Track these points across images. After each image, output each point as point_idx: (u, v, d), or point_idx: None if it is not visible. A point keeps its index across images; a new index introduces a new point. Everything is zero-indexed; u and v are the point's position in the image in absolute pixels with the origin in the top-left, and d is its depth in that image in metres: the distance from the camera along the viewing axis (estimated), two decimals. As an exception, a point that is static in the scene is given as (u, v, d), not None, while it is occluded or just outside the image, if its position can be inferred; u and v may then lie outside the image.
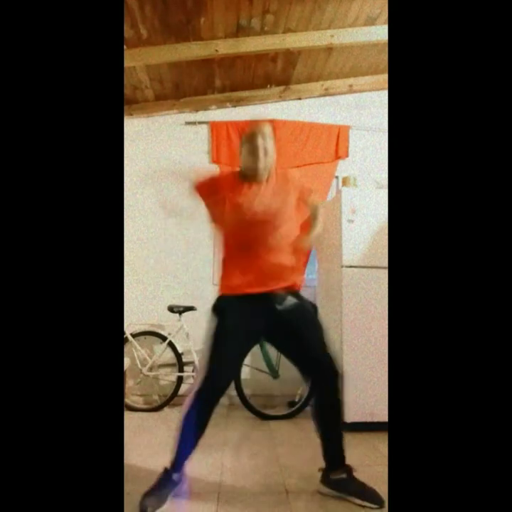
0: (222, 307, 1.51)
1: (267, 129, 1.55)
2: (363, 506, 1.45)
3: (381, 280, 2.41)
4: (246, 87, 3.26)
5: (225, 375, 1.54)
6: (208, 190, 1.58)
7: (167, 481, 1.47)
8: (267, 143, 1.52)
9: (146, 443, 2.17)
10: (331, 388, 1.51)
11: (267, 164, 1.53)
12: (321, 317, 1.60)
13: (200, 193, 1.60)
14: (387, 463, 1.81)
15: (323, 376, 1.51)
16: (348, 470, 1.55)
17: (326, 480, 1.56)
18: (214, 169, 1.80)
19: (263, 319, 1.49)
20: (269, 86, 3.29)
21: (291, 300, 1.51)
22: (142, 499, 1.40)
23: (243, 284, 1.48)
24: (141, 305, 3.10)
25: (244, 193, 1.52)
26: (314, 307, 1.59)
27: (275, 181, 1.59)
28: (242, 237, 1.52)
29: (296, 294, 1.55)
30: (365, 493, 1.48)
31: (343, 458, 1.56)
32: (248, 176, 1.56)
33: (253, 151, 1.50)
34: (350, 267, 2.44)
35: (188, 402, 1.49)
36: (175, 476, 1.48)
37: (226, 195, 1.53)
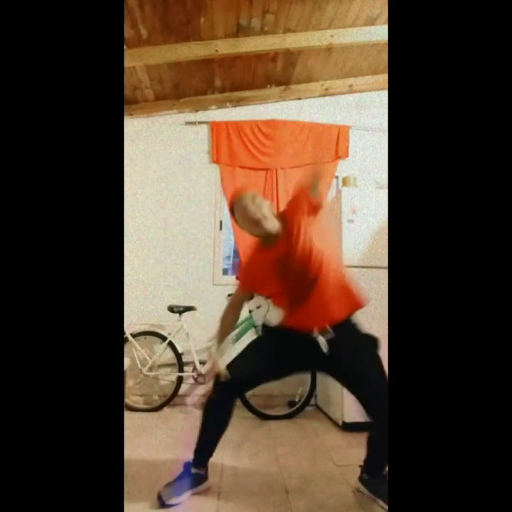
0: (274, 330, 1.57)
1: (252, 194, 1.53)
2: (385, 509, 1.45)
3: (381, 280, 2.41)
4: (246, 87, 3.26)
5: (246, 382, 1.56)
6: (249, 279, 1.64)
7: (186, 475, 1.54)
8: (259, 206, 1.49)
9: (146, 443, 2.17)
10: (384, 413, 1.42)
11: (272, 228, 1.49)
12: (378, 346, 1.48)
13: (244, 285, 1.66)
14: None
15: (374, 401, 1.42)
16: (384, 477, 1.54)
17: (361, 478, 1.60)
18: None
19: (306, 353, 1.48)
20: (269, 86, 3.29)
21: (332, 335, 1.45)
22: (161, 489, 1.50)
23: (298, 320, 1.49)
24: (141, 305, 3.10)
25: (273, 256, 1.51)
26: (368, 338, 1.48)
27: (284, 233, 1.52)
28: (285, 285, 1.52)
29: (343, 325, 1.47)
30: None
31: (383, 469, 1.56)
32: (265, 242, 1.55)
33: (251, 220, 1.49)
34: (350, 267, 2.44)
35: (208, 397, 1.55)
36: (194, 471, 1.54)
37: (261, 270, 1.57)
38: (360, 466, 1.63)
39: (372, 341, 1.47)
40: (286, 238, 1.50)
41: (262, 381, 1.57)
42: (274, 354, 1.51)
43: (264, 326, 1.63)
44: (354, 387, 1.48)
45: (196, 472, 1.55)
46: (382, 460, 1.53)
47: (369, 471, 1.58)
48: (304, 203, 1.52)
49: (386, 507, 1.45)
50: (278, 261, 1.50)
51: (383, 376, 1.42)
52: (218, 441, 1.55)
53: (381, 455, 1.51)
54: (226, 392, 1.51)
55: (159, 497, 1.47)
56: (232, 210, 1.58)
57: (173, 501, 1.47)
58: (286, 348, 1.50)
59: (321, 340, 1.43)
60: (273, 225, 1.50)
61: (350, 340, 1.46)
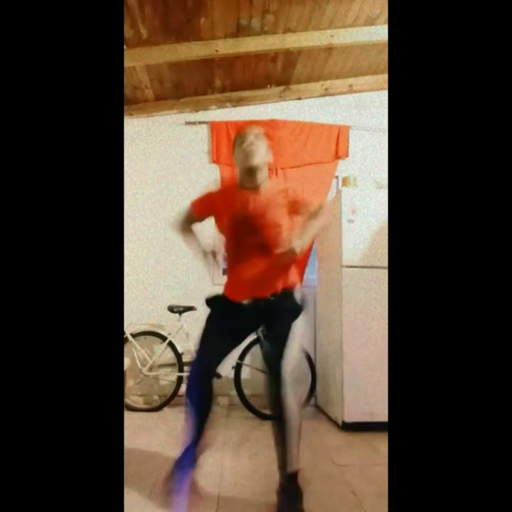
0: (214, 304, 1.65)
1: (258, 130, 1.58)
2: None
3: (381, 280, 2.42)
4: (246, 87, 3.26)
5: (211, 358, 1.60)
6: (202, 206, 1.69)
7: (187, 458, 1.54)
8: (258, 142, 1.54)
9: (146, 443, 2.17)
10: (276, 397, 1.47)
11: (260, 164, 1.54)
12: (303, 318, 1.60)
13: (195, 210, 1.72)
14: (387, 463, 1.81)
15: (269, 381, 1.50)
16: (293, 485, 1.46)
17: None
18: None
19: (245, 322, 1.60)
20: (269, 86, 3.29)
21: (266, 304, 1.55)
22: (166, 476, 1.54)
23: (232, 291, 1.61)
24: (141, 305, 3.10)
25: (239, 201, 1.57)
26: (298, 309, 1.58)
27: (269, 189, 1.60)
28: (235, 244, 1.60)
29: (279, 296, 1.56)
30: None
31: (284, 468, 1.47)
32: (244, 182, 1.59)
33: (245, 150, 1.52)
34: (350, 267, 2.44)
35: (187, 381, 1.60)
36: (192, 452, 1.54)
37: (222, 205, 1.61)
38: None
39: (298, 312, 1.56)
40: (263, 200, 1.55)
41: (224, 354, 1.63)
42: (224, 326, 1.59)
43: (212, 299, 1.68)
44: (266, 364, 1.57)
45: (195, 454, 1.55)
46: (281, 445, 1.48)
47: (279, 470, 1.48)
48: (295, 208, 1.61)
49: None
50: (242, 206, 1.55)
51: (285, 360, 1.47)
52: (207, 420, 1.56)
53: (279, 436, 1.48)
54: (197, 374, 1.56)
55: (168, 481, 1.51)
56: (234, 141, 1.60)
57: (179, 486, 1.50)
58: (231, 318, 1.58)
59: (249, 308, 1.54)
60: (259, 161, 1.53)
61: (277, 314, 1.54)
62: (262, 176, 1.57)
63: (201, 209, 1.70)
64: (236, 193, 1.60)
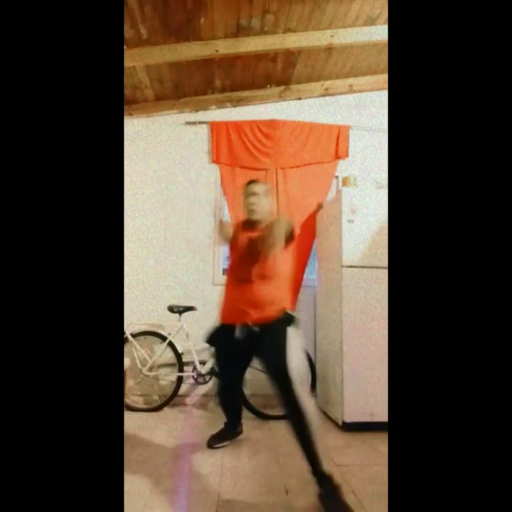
0: (212, 337, 1.97)
1: (265, 187, 1.93)
2: None
3: (381, 280, 2.42)
4: (246, 87, 3.26)
5: (230, 380, 2.07)
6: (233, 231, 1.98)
7: (227, 431, 2.18)
8: (262, 201, 1.89)
9: (146, 443, 2.17)
10: (283, 397, 1.55)
11: (261, 219, 1.87)
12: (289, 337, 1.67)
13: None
14: (387, 463, 1.82)
15: (276, 386, 1.58)
16: (330, 485, 1.46)
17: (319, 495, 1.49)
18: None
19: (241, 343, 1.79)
20: (269, 86, 3.29)
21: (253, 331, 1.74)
22: (209, 440, 2.12)
23: (224, 315, 1.89)
24: (141, 305, 3.10)
25: (241, 237, 1.89)
26: (290, 318, 1.75)
27: (266, 226, 1.78)
28: (232, 272, 1.89)
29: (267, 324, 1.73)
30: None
31: (317, 470, 1.49)
32: (248, 223, 1.92)
33: (249, 206, 1.88)
34: (350, 267, 2.44)
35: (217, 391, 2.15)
36: (231, 430, 2.19)
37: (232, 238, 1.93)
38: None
39: (284, 322, 1.72)
40: (263, 235, 1.73)
41: (235, 374, 2.03)
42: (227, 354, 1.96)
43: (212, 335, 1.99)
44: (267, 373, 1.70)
45: (234, 430, 2.19)
46: (306, 448, 1.50)
47: (313, 473, 1.49)
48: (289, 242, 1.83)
49: None
50: (248, 240, 1.84)
51: (280, 347, 1.62)
52: (241, 409, 2.23)
53: (301, 441, 1.51)
54: (221, 388, 2.10)
55: (207, 443, 2.09)
56: (244, 189, 1.95)
57: (217, 445, 2.09)
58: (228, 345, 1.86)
59: (240, 332, 1.77)
60: (260, 217, 1.87)
61: (271, 334, 1.71)
62: (263, 221, 1.86)
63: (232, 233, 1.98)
64: (242, 231, 1.93)
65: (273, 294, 1.78)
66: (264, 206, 1.91)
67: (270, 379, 1.62)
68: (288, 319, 1.74)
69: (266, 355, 1.70)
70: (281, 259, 1.81)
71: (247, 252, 1.81)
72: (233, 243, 1.92)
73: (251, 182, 1.93)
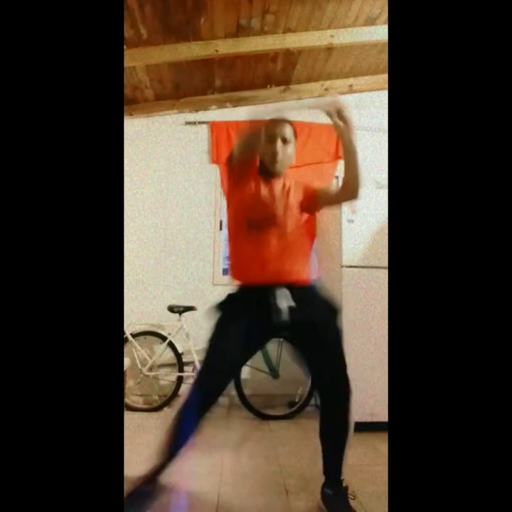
0: (226, 306, 1.44)
1: (292, 131, 1.56)
2: None
3: (381, 280, 2.41)
4: (246, 87, 3.26)
5: (222, 379, 1.41)
6: (235, 170, 1.52)
7: (143, 489, 1.38)
8: (287, 134, 1.51)
9: (146, 443, 2.17)
10: (342, 409, 1.45)
11: (284, 157, 1.52)
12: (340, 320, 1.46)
13: (228, 167, 1.55)
14: (387, 463, 1.81)
15: (335, 396, 1.45)
16: (341, 488, 1.43)
17: (321, 490, 1.49)
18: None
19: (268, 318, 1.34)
20: (269, 86, 3.29)
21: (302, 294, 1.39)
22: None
23: (250, 274, 1.42)
24: (141, 305, 3.10)
25: (257, 188, 1.51)
26: (337, 307, 1.45)
27: (286, 182, 1.59)
28: (248, 229, 1.45)
29: (307, 289, 1.43)
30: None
31: (336, 475, 1.44)
32: (265, 169, 1.55)
33: (273, 140, 1.48)
34: (350, 267, 2.44)
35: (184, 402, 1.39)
36: (150, 486, 1.40)
37: (244, 184, 1.51)
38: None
39: (333, 313, 1.43)
40: (281, 188, 1.54)
41: (240, 367, 1.49)
42: (242, 328, 1.36)
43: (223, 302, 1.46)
44: (312, 368, 1.47)
45: (150, 488, 1.39)
46: (339, 456, 1.43)
47: (328, 477, 1.45)
48: (309, 198, 1.58)
49: None
50: (261, 192, 1.49)
51: (343, 363, 1.41)
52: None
53: (338, 450, 1.43)
54: (201, 402, 1.36)
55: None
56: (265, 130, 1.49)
57: None
58: (246, 328, 1.36)
59: (281, 299, 1.33)
60: (282, 156, 1.51)
61: (313, 311, 1.39)
62: (284, 168, 1.57)
63: (232, 174, 1.54)
64: (257, 178, 1.54)
65: (308, 257, 1.47)
66: (291, 157, 1.56)
67: (324, 385, 1.45)
68: (336, 307, 1.44)
69: (318, 355, 1.40)
70: (298, 230, 1.49)
71: (269, 205, 1.47)
72: (244, 188, 1.50)
73: (278, 121, 1.52)
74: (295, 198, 1.56)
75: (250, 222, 1.45)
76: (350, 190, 1.48)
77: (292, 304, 1.34)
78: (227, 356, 1.37)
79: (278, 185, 1.56)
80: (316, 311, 1.40)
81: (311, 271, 1.47)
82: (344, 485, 1.44)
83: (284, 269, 1.39)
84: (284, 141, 1.50)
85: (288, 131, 1.52)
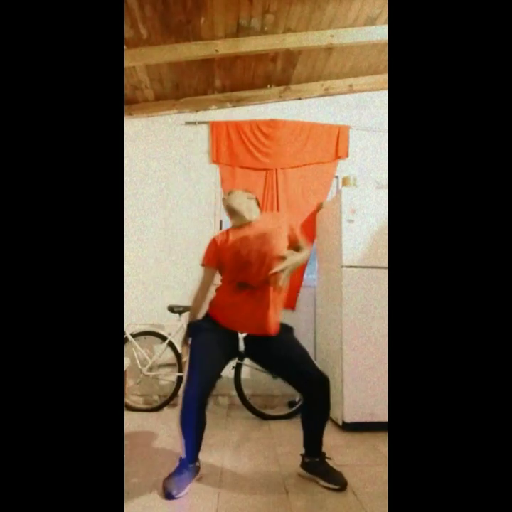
0: (202, 326, 1.73)
1: (244, 194, 1.83)
2: (327, 487, 1.62)
3: (381, 280, 2.42)
4: (246, 87, 3.26)
5: (206, 382, 1.64)
6: (210, 255, 1.82)
7: (184, 469, 1.63)
8: (237, 199, 1.80)
9: (146, 443, 2.17)
10: (322, 396, 1.68)
11: (245, 211, 1.78)
12: (296, 336, 1.80)
13: (209, 264, 1.82)
14: (387, 463, 1.82)
15: (314, 387, 1.67)
16: (322, 456, 1.72)
17: (302, 463, 1.75)
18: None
19: (236, 345, 1.74)
20: (269, 86, 3.29)
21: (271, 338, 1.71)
22: (163, 483, 1.58)
23: (228, 321, 1.71)
24: (141, 305, 3.10)
25: (234, 236, 1.77)
26: (290, 329, 1.80)
27: (262, 221, 1.81)
28: (233, 277, 1.72)
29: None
30: (330, 475, 1.65)
31: (320, 448, 1.73)
32: (239, 223, 1.82)
33: (229, 210, 1.81)
34: (350, 267, 2.44)
35: (180, 405, 1.61)
36: (191, 466, 1.64)
37: (221, 246, 1.78)
38: (301, 454, 1.76)
39: (289, 331, 1.78)
40: (260, 230, 1.74)
41: (221, 370, 1.73)
42: (216, 349, 1.68)
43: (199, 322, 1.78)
44: (283, 373, 1.75)
45: (193, 466, 1.66)
46: (318, 437, 1.72)
47: (308, 452, 1.73)
48: (290, 241, 1.79)
49: (327, 485, 1.62)
50: (243, 238, 1.73)
51: (306, 355, 1.73)
52: (202, 436, 1.67)
53: (316, 432, 1.72)
54: (195, 400, 1.58)
55: (167, 492, 1.53)
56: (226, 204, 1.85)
57: (180, 494, 1.55)
58: (221, 342, 1.69)
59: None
60: (249, 215, 1.79)
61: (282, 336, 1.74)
62: (250, 214, 1.80)
63: (211, 259, 1.81)
64: (232, 232, 1.81)
65: (281, 298, 1.77)
66: (251, 208, 1.82)
67: (304, 382, 1.69)
68: (289, 328, 1.79)
69: (291, 363, 1.70)
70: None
71: (253, 250, 1.69)
72: (225, 252, 1.75)
73: (230, 193, 1.85)
74: (278, 237, 1.74)
75: (235, 276, 1.71)
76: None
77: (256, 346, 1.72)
78: (210, 359, 1.65)
79: (251, 230, 1.77)
80: (275, 339, 1.71)
81: (277, 321, 1.74)
82: (325, 454, 1.73)
83: (254, 326, 1.69)
84: (241, 203, 1.80)
85: (241, 197, 1.82)
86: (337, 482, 1.62)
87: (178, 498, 1.52)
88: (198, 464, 1.69)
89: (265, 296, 1.67)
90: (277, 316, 1.72)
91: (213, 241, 1.84)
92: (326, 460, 1.72)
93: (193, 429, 1.61)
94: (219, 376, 1.71)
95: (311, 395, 1.69)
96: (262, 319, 1.67)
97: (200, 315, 1.80)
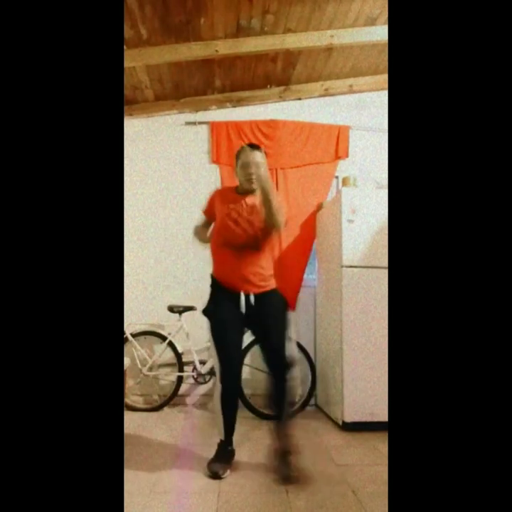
0: (214, 306, 1.85)
1: (263, 156, 1.84)
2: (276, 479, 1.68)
3: (381, 280, 2.42)
4: (246, 87, 3.26)
5: (238, 363, 1.83)
6: (209, 208, 1.97)
7: (225, 451, 1.80)
8: (257, 157, 1.80)
9: (146, 443, 2.17)
10: (279, 378, 1.75)
11: (258, 176, 1.75)
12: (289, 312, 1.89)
13: (206, 215, 2.00)
14: (387, 463, 1.82)
15: (275, 366, 1.76)
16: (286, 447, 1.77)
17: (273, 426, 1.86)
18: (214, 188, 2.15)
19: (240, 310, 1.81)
20: (269, 86, 3.29)
21: (260, 297, 1.81)
22: (210, 466, 1.73)
23: (223, 280, 1.84)
24: (141, 305, 3.10)
25: (234, 204, 1.84)
26: (284, 302, 1.89)
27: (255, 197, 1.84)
28: (225, 239, 1.82)
29: (267, 292, 1.84)
30: (281, 468, 1.70)
31: (284, 437, 1.79)
32: (243, 189, 1.87)
33: (245, 165, 1.80)
34: (350, 267, 2.44)
35: (218, 389, 1.77)
36: (229, 448, 1.82)
37: (219, 206, 1.87)
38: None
39: (283, 305, 1.87)
40: (257, 203, 1.79)
41: (241, 358, 1.98)
42: (230, 308, 1.80)
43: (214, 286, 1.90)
44: (261, 342, 1.85)
45: (231, 448, 1.83)
46: (280, 405, 1.80)
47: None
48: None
49: (276, 476, 1.69)
50: (240, 207, 1.82)
51: (283, 336, 1.77)
52: (235, 420, 1.83)
53: (279, 402, 1.80)
54: (233, 381, 1.76)
55: (214, 473, 1.69)
56: (237, 154, 1.87)
57: (226, 475, 1.72)
58: (230, 309, 1.80)
59: (242, 300, 1.79)
60: (258, 176, 1.73)
61: (267, 304, 1.81)
62: (259, 180, 1.79)
63: (210, 211, 1.96)
64: (234, 197, 1.87)
65: (271, 265, 1.89)
66: (264, 167, 1.80)
67: (267, 353, 1.78)
68: (284, 301, 1.88)
69: (266, 329, 1.78)
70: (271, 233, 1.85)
71: (247, 218, 1.79)
72: (223, 208, 1.85)
73: (251, 147, 1.82)
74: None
75: (227, 236, 1.80)
76: (270, 224, 1.76)
77: (251, 304, 1.79)
78: (230, 330, 1.78)
79: (253, 200, 1.84)
80: (269, 303, 1.82)
81: (271, 280, 1.88)
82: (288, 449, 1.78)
83: (246, 281, 1.79)
84: (259, 166, 1.78)
85: (261, 157, 1.82)
86: (283, 477, 1.67)
87: (224, 477, 1.70)
88: (231, 447, 1.83)
89: (244, 255, 1.78)
90: (257, 278, 1.80)
91: (216, 195, 1.94)
92: (290, 455, 1.75)
93: (233, 412, 1.79)
94: (242, 350, 1.89)
95: (274, 377, 1.78)
96: (243, 275, 1.78)
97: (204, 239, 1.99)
